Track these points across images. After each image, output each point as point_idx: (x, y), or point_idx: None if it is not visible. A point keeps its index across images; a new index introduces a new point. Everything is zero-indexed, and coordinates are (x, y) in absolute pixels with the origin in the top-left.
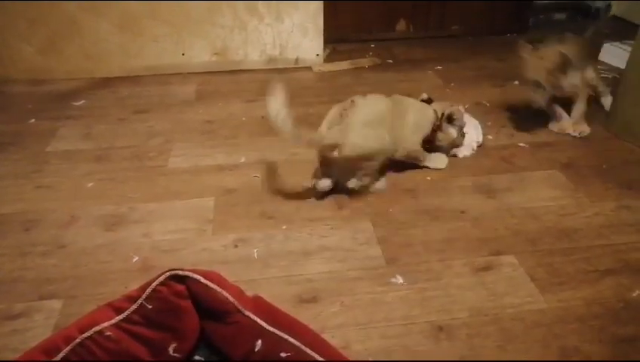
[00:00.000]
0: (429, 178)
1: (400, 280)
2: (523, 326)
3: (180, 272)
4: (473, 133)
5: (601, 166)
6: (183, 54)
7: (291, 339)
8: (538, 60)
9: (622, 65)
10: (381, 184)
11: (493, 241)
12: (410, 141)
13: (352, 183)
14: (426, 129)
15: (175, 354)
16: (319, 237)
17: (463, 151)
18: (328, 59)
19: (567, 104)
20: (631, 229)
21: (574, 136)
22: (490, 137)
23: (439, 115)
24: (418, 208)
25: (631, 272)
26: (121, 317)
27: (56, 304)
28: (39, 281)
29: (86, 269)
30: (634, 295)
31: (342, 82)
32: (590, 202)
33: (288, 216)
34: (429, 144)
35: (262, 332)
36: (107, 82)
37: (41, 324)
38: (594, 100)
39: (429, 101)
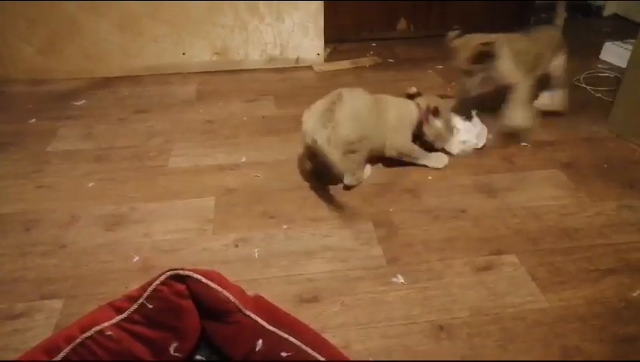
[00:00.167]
0: (429, 178)
1: (401, 279)
2: (524, 326)
3: (181, 272)
4: (473, 136)
5: (602, 165)
6: (184, 54)
7: (292, 339)
8: (461, 49)
9: (623, 65)
10: (366, 171)
11: (494, 241)
12: (396, 138)
13: (348, 179)
14: (410, 124)
15: (176, 354)
16: (320, 236)
17: (452, 148)
18: (329, 58)
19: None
20: (632, 229)
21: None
22: (490, 136)
23: (424, 109)
24: (419, 208)
25: (632, 272)
26: (121, 316)
27: (56, 304)
28: (40, 281)
29: (87, 269)
30: (635, 294)
31: (343, 82)
32: (591, 201)
33: (289, 216)
34: (419, 139)
35: (263, 332)
36: (107, 82)
37: (42, 324)
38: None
39: (417, 95)
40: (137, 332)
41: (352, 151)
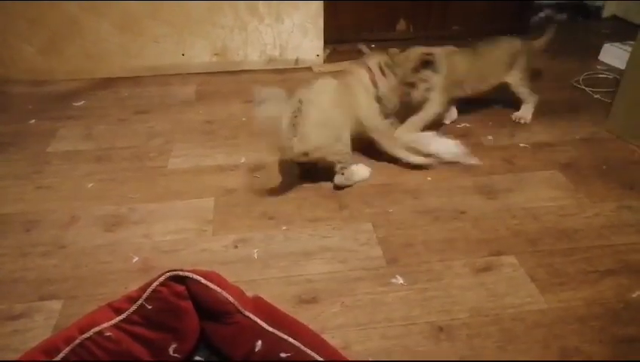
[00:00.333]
0: (429, 178)
1: (400, 280)
2: (523, 327)
3: (180, 273)
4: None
5: (602, 166)
6: (183, 55)
7: (291, 340)
8: (404, 60)
9: (622, 66)
10: (364, 172)
11: (494, 242)
12: (371, 117)
13: (338, 180)
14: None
15: (175, 355)
16: (320, 237)
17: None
18: (328, 59)
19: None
20: (631, 230)
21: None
22: (490, 137)
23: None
24: (418, 208)
25: (631, 273)
26: (121, 317)
27: (56, 304)
28: (39, 282)
29: (86, 270)
30: (634, 295)
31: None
32: (591, 203)
33: (288, 217)
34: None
35: (262, 333)
36: (108, 83)
37: (42, 325)
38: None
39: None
40: (136, 333)
41: (334, 154)
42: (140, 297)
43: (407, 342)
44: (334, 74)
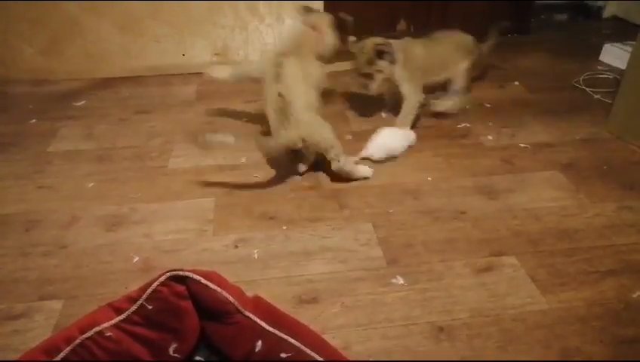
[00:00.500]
0: (429, 178)
1: (401, 280)
2: (524, 327)
3: (181, 273)
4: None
5: (602, 167)
6: (184, 55)
7: (291, 340)
8: (359, 52)
9: (623, 66)
10: (365, 170)
11: (494, 242)
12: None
13: (335, 166)
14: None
15: (175, 355)
16: (320, 237)
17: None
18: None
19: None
20: (632, 230)
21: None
22: (490, 138)
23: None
24: (419, 209)
25: (632, 273)
26: (121, 317)
27: (56, 304)
28: (40, 282)
29: (87, 269)
30: (635, 296)
31: (342, 83)
32: (591, 203)
33: (289, 217)
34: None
35: (262, 333)
36: (108, 82)
37: (42, 325)
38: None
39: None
40: (137, 333)
41: (325, 138)
42: (140, 297)
43: (408, 342)
44: (289, 44)
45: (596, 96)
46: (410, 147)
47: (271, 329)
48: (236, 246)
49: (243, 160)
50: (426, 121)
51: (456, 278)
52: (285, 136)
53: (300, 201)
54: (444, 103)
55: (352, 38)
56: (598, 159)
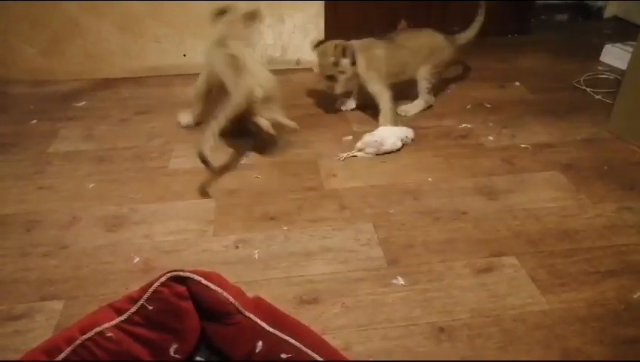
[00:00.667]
0: (429, 179)
1: (401, 281)
2: (524, 328)
3: (181, 273)
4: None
5: (602, 167)
6: (185, 55)
7: (292, 340)
8: (321, 55)
9: (623, 67)
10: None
11: (495, 242)
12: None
13: (268, 116)
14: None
15: (176, 355)
16: (320, 238)
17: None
18: None
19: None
20: (632, 231)
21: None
22: (491, 138)
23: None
24: (419, 209)
25: (632, 273)
26: (122, 318)
27: (57, 305)
28: (40, 282)
29: (87, 270)
30: (635, 296)
31: None
32: (591, 203)
33: (289, 217)
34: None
35: (262, 334)
36: (109, 83)
37: (42, 325)
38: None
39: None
40: (137, 333)
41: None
42: (140, 297)
43: (408, 342)
44: (223, 36)
45: (597, 97)
46: (409, 145)
47: (271, 329)
48: (237, 247)
49: (243, 160)
50: (426, 121)
51: (456, 279)
52: (245, 86)
53: (301, 202)
54: (407, 109)
55: (312, 42)
56: (599, 159)
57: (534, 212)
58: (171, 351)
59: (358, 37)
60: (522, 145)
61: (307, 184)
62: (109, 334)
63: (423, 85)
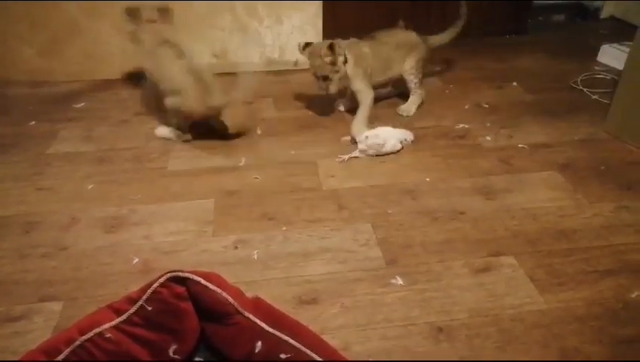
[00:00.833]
0: (427, 179)
1: (400, 281)
2: (523, 327)
3: (180, 274)
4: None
5: (600, 167)
6: None
7: (291, 341)
8: (313, 56)
9: (620, 67)
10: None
11: (493, 242)
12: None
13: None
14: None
15: (175, 356)
16: (319, 238)
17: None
18: None
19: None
20: (630, 230)
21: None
22: (488, 138)
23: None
24: (417, 209)
25: (630, 273)
26: (121, 318)
27: (56, 306)
28: (40, 283)
29: (86, 271)
30: (633, 296)
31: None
32: (589, 203)
33: (288, 218)
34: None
35: (262, 334)
36: (108, 84)
37: (42, 326)
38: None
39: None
40: (137, 334)
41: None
42: (140, 298)
43: (407, 342)
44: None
45: (594, 97)
46: (408, 146)
47: (271, 329)
48: (236, 247)
49: (242, 161)
50: (424, 121)
51: (454, 278)
52: (218, 100)
53: (299, 202)
54: (407, 109)
55: (299, 44)
56: (596, 159)
57: (532, 212)
58: (171, 352)
59: (359, 36)
60: (520, 146)
61: (306, 184)
62: (109, 335)
63: (412, 80)
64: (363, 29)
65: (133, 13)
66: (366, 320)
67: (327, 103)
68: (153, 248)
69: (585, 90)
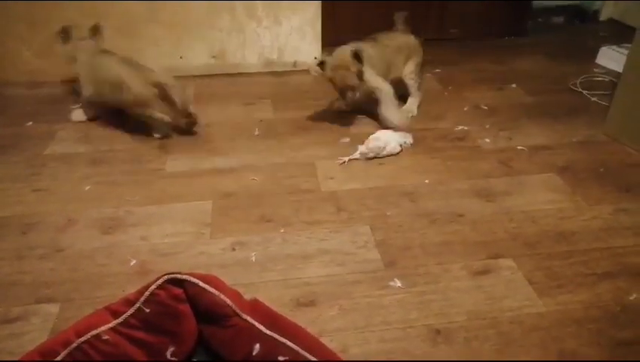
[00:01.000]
0: (426, 181)
1: (398, 283)
2: (521, 330)
3: (178, 276)
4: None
5: (599, 169)
6: (182, 57)
7: (289, 343)
8: (341, 67)
9: (619, 69)
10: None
11: (492, 245)
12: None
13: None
14: None
15: (173, 358)
16: (317, 240)
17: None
18: None
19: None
20: (629, 232)
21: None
22: (488, 140)
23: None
24: (416, 211)
25: (629, 276)
26: (118, 320)
27: (53, 307)
28: (36, 285)
29: (83, 272)
30: (631, 298)
31: None
32: (588, 205)
33: (286, 219)
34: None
35: (260, 336)
36: None
37: (38, 328)
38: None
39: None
40: (134, 336)
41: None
42: (137, 300)
43: (405, 345)
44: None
45: (593, 99)
46: (407, 149)
47: (268, 332)
48: (234, 249)
49: (241, 163)
50: (423, 123)
51: (453, 281)
52: (159, 76)
53: (298, 204)
54: (409, 109)
55: (312, 66)
56: (595, 162)
57: (531, 214)
58: (168, 354)
59: (359, 39)
60: (519, 148)
61: (304, 186)
62: (106, 337)
63: (412, 83)
64: (362, 30)
65: (66, 33)
66: (364, 323)
67: (325, 105)
68: (150, 250)
69: (584, 92)
